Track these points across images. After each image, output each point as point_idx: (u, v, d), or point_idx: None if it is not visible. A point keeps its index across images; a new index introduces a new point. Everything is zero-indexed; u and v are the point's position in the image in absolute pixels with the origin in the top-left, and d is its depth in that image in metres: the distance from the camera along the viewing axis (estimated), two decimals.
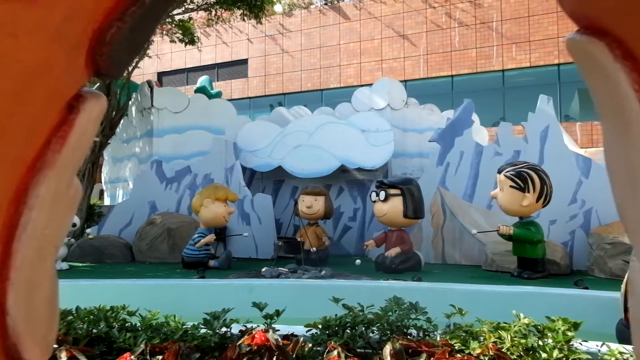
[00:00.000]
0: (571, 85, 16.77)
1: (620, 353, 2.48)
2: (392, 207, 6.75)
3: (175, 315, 2.97)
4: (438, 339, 2.68)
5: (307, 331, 2.93)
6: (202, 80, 12.63)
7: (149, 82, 9.83)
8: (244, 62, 22.49)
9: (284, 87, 21.51)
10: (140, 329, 2.79)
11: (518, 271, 6.29)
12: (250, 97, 22.25)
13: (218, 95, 11.92)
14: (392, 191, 6.76)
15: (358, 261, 6.60)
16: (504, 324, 2.74)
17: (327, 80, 20.61)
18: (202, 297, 5.32)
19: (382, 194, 6.78)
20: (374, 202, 7.01)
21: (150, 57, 14.23)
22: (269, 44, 21.78)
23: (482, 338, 2.69)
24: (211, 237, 7.01)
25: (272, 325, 2.90)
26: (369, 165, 8.56)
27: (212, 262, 6.93)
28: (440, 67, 18.67)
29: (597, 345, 2.74)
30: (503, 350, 2.51)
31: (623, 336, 3.38)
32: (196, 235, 7.04)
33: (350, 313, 3.05)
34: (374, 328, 2.88)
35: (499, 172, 6.30)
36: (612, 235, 6.52)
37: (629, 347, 2.52)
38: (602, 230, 6.77)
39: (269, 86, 21.90)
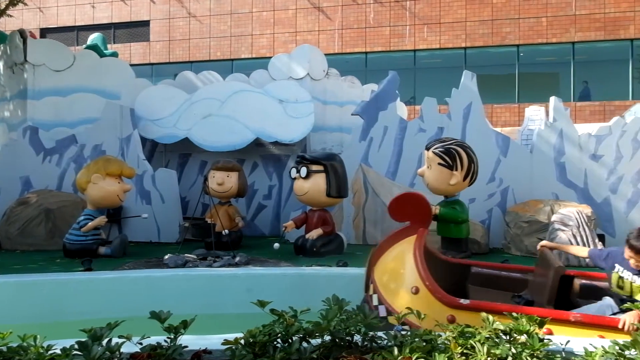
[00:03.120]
0: (474, 69, 17.45)
1: (602, 355, 2.15)
2: (314, 185, 6.17)
3: (37, 336, 2.05)
4: (395, 352, 2.13)
5: (225, 349, 2.22)
6: (94, 37, 10.91)
7: (21, 32, 8.06)
8: (146, 23, 20.40)
9: (190, 54, 19.93)
10: None
11: (442, 251, 6.09)
12: (152, 64, 20.32)
13: (114, 56, 10.34)
14: (315, 167, 6.18)
15: (276, 245, 5.96)
16: (470, 329, 2.27)
17: (238, 50, 19.45)
18: (87, 297, 4.32)
19: (304, 171, 6.17)
20: (294, 179, 6.39)
21: (26, 4, 12.01)
22: (174, 6, 19.95)
23: (443, 347, 2.20)
24: (101, 220, 5.88)
25: (178, 342, 2.16)
26: (287, 139, 7.88)
27: (102, 250, 5.83)
28: (355, 43, 18.44)
29: (562, 344, 2.42)
30: None
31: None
32: (82, 218, 5.86)
33: (281, 320, 2.39)
34: (312, 340, 2.25)
35: (427, 148, 5.99)
36: (529, 213, 6.59)
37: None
38: (518, 208, 6.84)
39: (173, 52, 20.15)
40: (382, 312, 3.41)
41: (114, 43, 19.97)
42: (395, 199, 3.83)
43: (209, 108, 7.89)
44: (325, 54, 9.56)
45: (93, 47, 9.81)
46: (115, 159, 6.34)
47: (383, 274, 3.61)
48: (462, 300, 3.23)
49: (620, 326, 2.90)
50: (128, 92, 8.18)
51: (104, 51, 10.28)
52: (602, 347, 2.21)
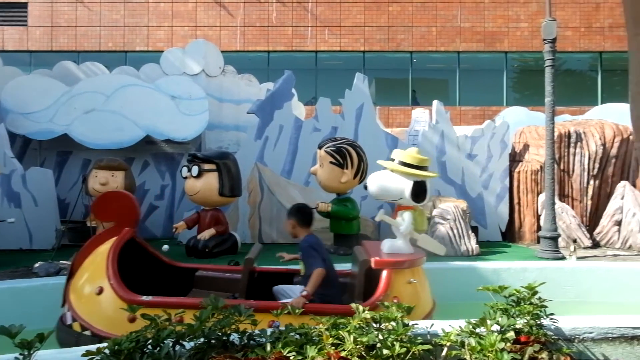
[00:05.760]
0: (372, 72, 18.30)
1: (458, 334, 2.36)
2: (206, 184, 6.01)
3: None
4: (268, 348, 2.14)
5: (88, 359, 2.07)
6: None
7: None
8: (22, 5, 18.28)
9: (77, 43, 18.25)
10: None
11: (334, 247, 6.28)
12: (31, 51, 18.28)
13: None
14: (207, 166, 6.01)
15: (165, 247, 5.69)
16: (342, 320, 2.36)
17: (133, 42, 18.24)
18: None
19: (195, 169, 5.97)
20: (185, 178, 6.16)
21: None
22: None
23: (317, 339, 2.26)
24: None
25: (34, 358, 1.96)
26: (180, 137, 7.57)
27: None
28: (257, 41, 18.27)
29: (427, 327, 2.61)
30: (344, 354, 2.11)
31: (64, 340, 3.16)
32: None
33: (153, 325, 2.28)
34: (186, 342, 2.18)
35: (320, 147, 6.13)
36: None
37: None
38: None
39: (57, 40, 18.32)
40: (69, 319, 3.19)
41: None
42: (98, 198, 3.63)
43: (92, 102, 7.30)
44: (227, 51, 9.36)
45: None
46: None
47: (79, 279, 3.36)
48: (143, 297, 3.18)
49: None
50: None
51: None
52: (460, 327, 2.44)
